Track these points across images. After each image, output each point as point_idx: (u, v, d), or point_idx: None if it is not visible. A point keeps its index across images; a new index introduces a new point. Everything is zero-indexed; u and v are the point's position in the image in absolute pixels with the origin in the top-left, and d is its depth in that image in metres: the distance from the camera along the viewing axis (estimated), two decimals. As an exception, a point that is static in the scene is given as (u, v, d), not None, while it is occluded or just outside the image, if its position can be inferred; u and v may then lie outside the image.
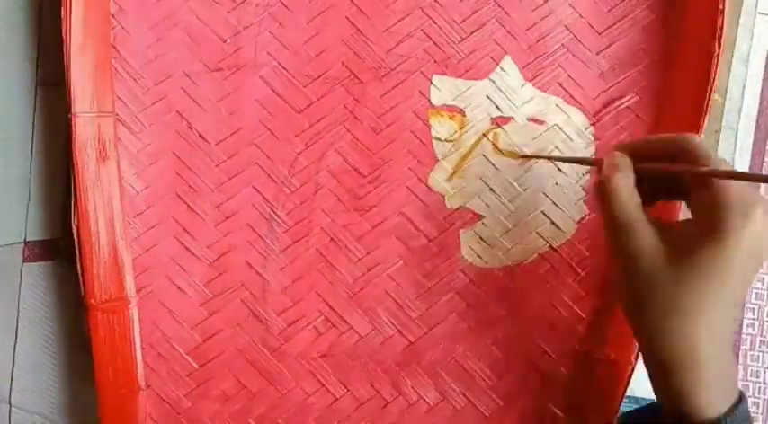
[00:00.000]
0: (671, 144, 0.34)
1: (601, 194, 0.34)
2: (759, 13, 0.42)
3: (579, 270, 0.42)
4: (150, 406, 0.40)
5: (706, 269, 0.30)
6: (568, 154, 0.42)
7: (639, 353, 0.39)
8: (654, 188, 0.35)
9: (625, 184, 0.33)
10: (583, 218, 0.42)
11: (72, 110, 0.38)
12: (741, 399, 0.32)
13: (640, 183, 0.34)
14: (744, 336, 0.43)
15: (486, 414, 0.41)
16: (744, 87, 0.42)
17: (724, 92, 0.42)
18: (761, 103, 0.43)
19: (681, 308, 0.31)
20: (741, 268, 0.31)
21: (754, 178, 0.31)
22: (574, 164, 0.42)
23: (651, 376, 0.34)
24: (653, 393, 0.34)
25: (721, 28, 0.39)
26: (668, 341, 0.31)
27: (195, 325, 0.41)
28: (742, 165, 0.43)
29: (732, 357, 0.33)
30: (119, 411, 0.39)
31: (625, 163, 0.34)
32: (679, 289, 0.31)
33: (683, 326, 0.31)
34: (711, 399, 0.32)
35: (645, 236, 0.32)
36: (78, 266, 0.39)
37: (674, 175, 0.34)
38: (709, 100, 0.39)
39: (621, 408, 0.39)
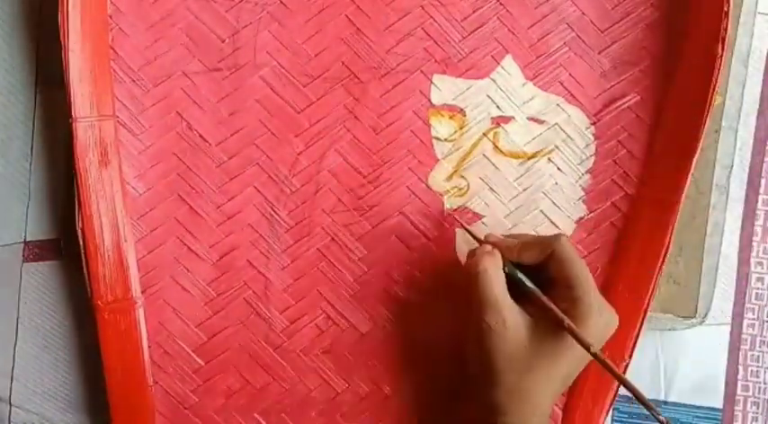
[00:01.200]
0: (537, 248, 0.37)
1: (469, 276, 0.37)
2: (759, 12, 0.42)
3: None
4: (158, 402, 0.42)
5: (551, 359, 0.36)
6: (568, 152, 0.42)
7: (633, 352, 0.40)
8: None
9: (492, 267, 0.37)
10: (582, 218, 0.42)
11: (72, 115, 0.38)
12: None
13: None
14: (744, 336, 0.44)
15: (484, 409, 0.43)
16: (744, 87, 0.42)
17: (724, 92, 0.42)
18: (761, 103, 0.43)
19: (524, 387, 0.36)
20: (578, 362, 0.37)
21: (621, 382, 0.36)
22: (572, 164, 0.42)
23: None
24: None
25: (725, 29, 0.38)
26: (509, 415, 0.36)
27: (200, 324, 0.42)
28: (742, 165, 0.43)
29: None
30: (129, 408, 0.41)
31: (494, 253, 0.38)
32: (529, 373, 0.36)
33: (525, 401, 0.36)
34: None
35: (508, 316, 0.36)
36: (84, 268, 0.39)
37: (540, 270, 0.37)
38: (711, 101, 0.39)
39: (619, 408, 0.41)
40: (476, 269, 0.37)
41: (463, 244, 0.42)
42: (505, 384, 0.36)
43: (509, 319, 0.36)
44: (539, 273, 0.37)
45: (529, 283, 0.37)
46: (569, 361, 0.36)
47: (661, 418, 0.34)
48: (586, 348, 0.35)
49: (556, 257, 0.37)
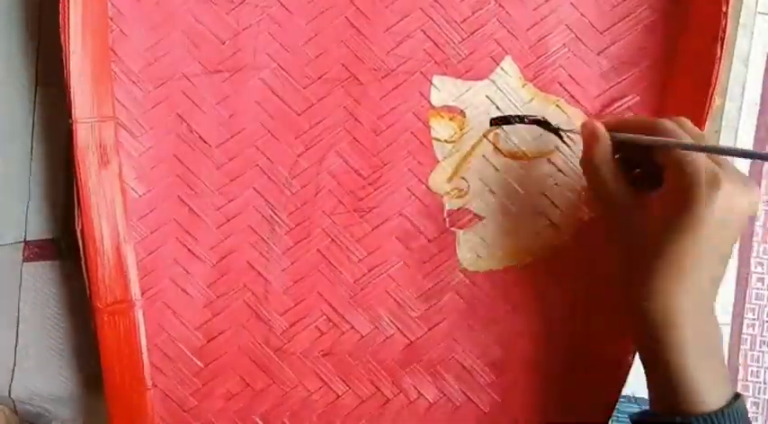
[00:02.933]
0: (648, 126, 0.37)
1: (585, 168, 0.38)
2: (759, 12, 0.42)
3: (578, 271, 0.42)
4: (157, 405, 0.41)
5: (680, 244, 0.34)
6: (569, 153, 0.42)
7: (636, 353, 0.40)
8: (630, 164, 0.38)
9: (605, 159, 0.37)
10: (582, 219, 0.42)
11: (72, 117, 0.38)
12: (738, 395, 0.34)
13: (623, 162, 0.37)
14: (744, 336, 0.43)
15: (485, 411, 0.42)
16: (744, 87, 0.42)
17: (724, 92, 0.42)
18: (761, 103, 0.43)
19: (661, 273, 0.34)
20: (712, 240, 0.34)
21: (723, 151, 0.35)
22: (573, 166, 0.42)
23: (641, 353, 0.37)
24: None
25: (724, 30, 0.39)
26: (653, 300, 0.35)
27: (199, 326, 0.42)
28: (743, 165, 0.43)
29: (717, 332, 0.36)
30: (128, 411, 0.40)
31: (602, 132, 0.37)
32: (660, 259, 0.34)
33: (663, 286, 0.34)
34: (701, 374, 0.34)
35: (627, 209, 0.36)
36: (84, 270, 0.39)
37: (649, 153, 0.36)
38: (710, 102, 0.39)
39: (619, 408, 0.41)
40: (589, 163, 0.37)
41: (464, 246, 0.42)
42: (637, 277, 0.35)
43: (623, 209, 0.36)
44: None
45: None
46: (699, 247, 0.34)
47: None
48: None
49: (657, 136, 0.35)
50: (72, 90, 0.38)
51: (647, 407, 0.36)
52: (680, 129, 0.36)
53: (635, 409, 0.43)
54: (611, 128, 0.37)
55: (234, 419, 0.42)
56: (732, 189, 0.34)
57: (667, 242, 0.34)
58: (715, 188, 0.33)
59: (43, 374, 0.42)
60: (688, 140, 0.35)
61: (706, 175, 0.34)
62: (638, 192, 0.36)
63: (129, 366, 0.40)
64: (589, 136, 0.37)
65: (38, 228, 0.42)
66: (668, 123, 0.36)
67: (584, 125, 0.38)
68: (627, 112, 0.42)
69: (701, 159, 0.34)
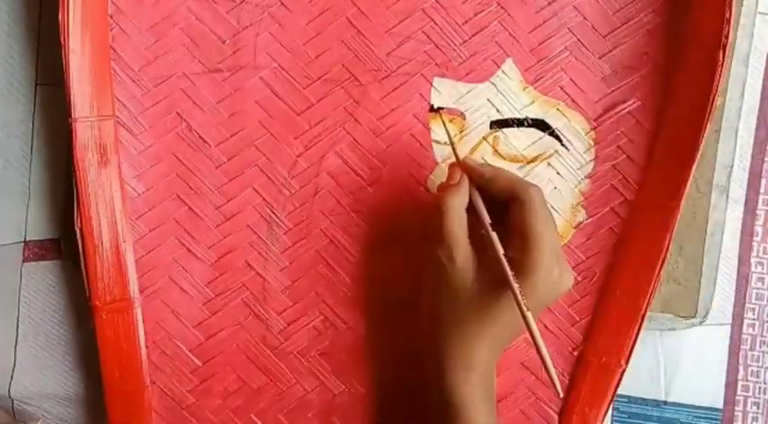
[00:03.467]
0: (509, 190, 0.36)
1: (438, 207, 0.37)
2: (759, 12, 0.42)
3: (575, 274, 0.42)
4: (155, 402, 0.42)
5: (491, 313, 0.36)
6: (568, 158, 0.42)
7: (630, 357, 0.40)
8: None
9: (457, 204, 0.36)
10: (580, 223, 0.42)
11: (72, 116, 0.39)
12: None
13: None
14: (744, 336, 0.44)
15: (480, 412, 0.43)
16: (744, 87, 0.42)
17: (724, 92, 0.42)
18: (761, 103, 0.43)
19: (463, 333, 0.36)
20: (515, 327, 0.36)
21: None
22: (572, 169, 0.42)
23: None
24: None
25: (726, 36, 0.38)
26: (451, 349, 0.37)
27: (197, 324, 0.42)
28: (742, 165, 0.43)
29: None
30: (125, 407, 0.41)
31: (463, 190, 0.37)
32: (468, 320, 0.36)
33: (465, 352, 0.36)
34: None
35: (459, 254, 0.36)
36: (83, 269, 0.40)
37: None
38: (711, 108, 0.39)
39: (619, 408, 0.41)
40: (441, 204, 0.36)
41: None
42: (445, 327, 0.36)
43: (459, 257, 0.35)
44: (506, 220, 0.36)
45: (488, 224, 0.36)
46: (507, 321, 0.36)
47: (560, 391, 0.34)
48: (518, 303, 0.34)
49: (519, 201, 0.35)
50: (72, 89, 0.38)
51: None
52: (538, 210, 0.35)
53: (634, 409, 0.43)
54: (476, 176, 0.37)
55: (231, 416, 0.42)
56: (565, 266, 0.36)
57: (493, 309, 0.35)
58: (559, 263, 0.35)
59: (43, 373, 0.43)
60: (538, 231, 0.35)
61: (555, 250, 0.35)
62: (480, 251, 0.36)
63: (128, 364, 0.41)
64: (452, 188, 0.37)
65: (38, 228, 0.43)
66: (531, 199, 0.35)
67: (457, 165, 0.38)
68: (627, 118, 0.42)
69: (545, 243, 0.35)
